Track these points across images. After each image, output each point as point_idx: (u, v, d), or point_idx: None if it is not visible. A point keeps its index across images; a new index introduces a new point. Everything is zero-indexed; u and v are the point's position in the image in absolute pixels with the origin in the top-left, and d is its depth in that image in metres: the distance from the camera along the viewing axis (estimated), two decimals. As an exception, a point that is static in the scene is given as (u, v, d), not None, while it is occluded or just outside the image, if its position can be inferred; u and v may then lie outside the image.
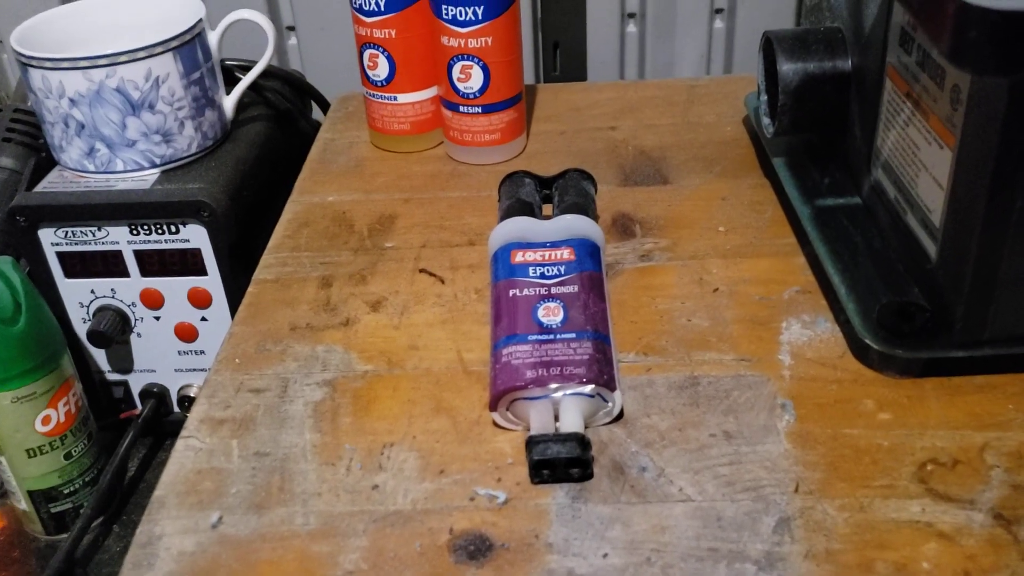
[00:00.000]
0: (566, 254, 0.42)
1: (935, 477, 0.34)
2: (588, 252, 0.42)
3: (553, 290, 0.40)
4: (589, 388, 0.36)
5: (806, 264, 0.46)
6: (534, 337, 0.38)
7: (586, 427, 0.36)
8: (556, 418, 0.36)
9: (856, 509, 0.33)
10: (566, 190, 0.48)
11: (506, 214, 0.46)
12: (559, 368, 0.36)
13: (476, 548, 0.33)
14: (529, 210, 0.46)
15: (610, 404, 0.37)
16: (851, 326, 0.39)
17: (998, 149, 0.33)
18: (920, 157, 0.39)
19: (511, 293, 0.41)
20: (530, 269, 0.42)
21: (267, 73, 0.63)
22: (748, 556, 0.32)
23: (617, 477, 0.35)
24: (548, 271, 0.41)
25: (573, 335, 0.38)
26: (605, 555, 0.32)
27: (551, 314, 0.39)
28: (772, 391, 0.38)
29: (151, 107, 0.55)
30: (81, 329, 0.59)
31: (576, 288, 0.40)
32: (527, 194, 0.48)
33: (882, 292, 0.40)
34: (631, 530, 0.33)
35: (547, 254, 0.42)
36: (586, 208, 0.46)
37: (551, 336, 0.38)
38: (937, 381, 0.38)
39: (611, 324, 0.40)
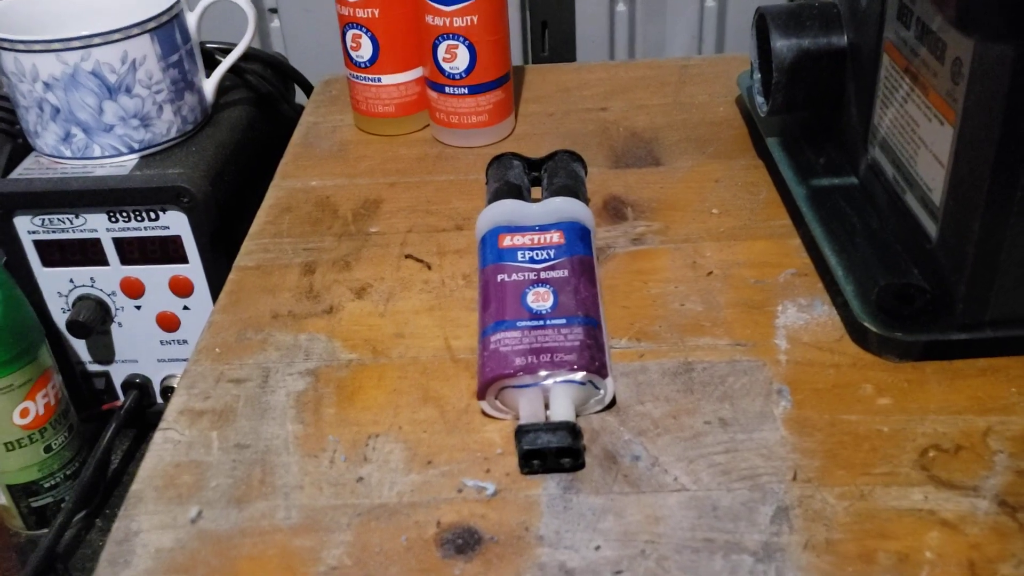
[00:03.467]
0: (555, 238, 0.41)
1: (937, 463, 0.33)
2: (578, 235, 0.41)
3: (543, 275, 0.39)
4: (580, 376, 0.35)
5: (801, 246, 0.45)
6: (523, 323, 0.37)
7: (577, 415, 0.35)
8: (546, 406, 0.35)
9: (856, 497, 0.32)
10: (555, 172, 0.47)
11: (494, 197, 0.45)
12: (549, 355, 0.35)
13: (464, 542, 0.32)
14: (518, 193, 0.45)
15: (602, 392, 0.36)
16: (849, 309, 0.38)
17: (1002, 123, 0.32)
18: (919, 134, 0.38)
19: (499, 278, 0.39)
20: (519, 253, 0.40)
21: (248, 56, 0.61)
22: (745, 547, 0.31)
23: (610, 467, 0.34)
24: (537, 255, 0.40)
25: (563, 321, 0.37)
26: (597, 547, 0.31)
27: (540, 299, 0.38)
28: (768, 376, 0.37)
29: (128, 91, 0.53)
30: (60, 319, 0.58)
31: (566, 272, 0.39)
32: (515, 176, 0.47)
33: (880, 274, 0.39)
34: (624, 521, 0.32)
35: (536, 238, 0.41)
36: (576, 190, 0.45)
37: (541, 322, 0.37)
38: (938, 365, 0.37)
39: (602, 309, 0.39)
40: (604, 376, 0.35)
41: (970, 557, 0.30)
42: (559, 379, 0.35)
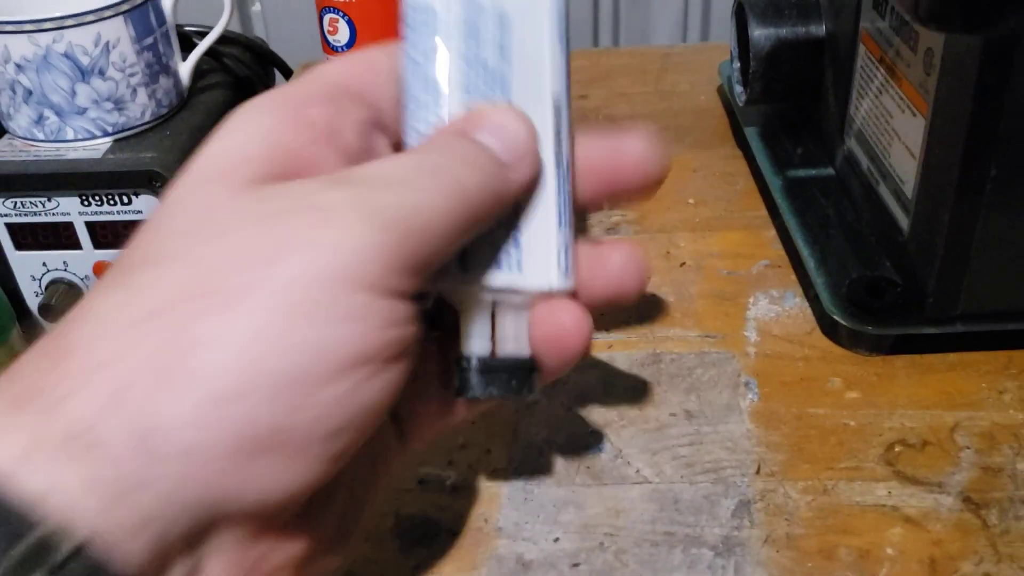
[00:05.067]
0: None
1: (903, 459, 0.33)
2: None
3: None
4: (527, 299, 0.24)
5: (776, 237, 0.44)
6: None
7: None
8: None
9: (819, 492, 0.32)
10: None
11: None
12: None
13: (423, 533, 0.31)
14: None
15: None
16: (820, 301, 0.38)
17: (971, 115, 0.31)
18: (893, 125, 0.38)
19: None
20: None
21: (226, 39, 0.61)
22: (705, 541, 0.30)
23: (572, 458, 0.33)
24: None
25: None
26: (556, 539, 0.31)
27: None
28: (736, 369, 0.37)
29: (102, 73, 0.52)
30: (34, 303, 0.57)
31: None
32: None
33: (853, 266, 0.39)
34: (584, 513, 0.31)
35: None
36: None
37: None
38: (908, 359, 0.37)
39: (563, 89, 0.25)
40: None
41: (931, 554, 0.30)
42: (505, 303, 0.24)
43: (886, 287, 0.37)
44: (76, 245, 0.55)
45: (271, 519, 0.21)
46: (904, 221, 0.37)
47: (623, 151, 0.26)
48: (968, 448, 0.33)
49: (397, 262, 0.20)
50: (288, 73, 0.67)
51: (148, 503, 0.18)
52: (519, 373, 0.24)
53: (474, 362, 0.24)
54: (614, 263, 0.26)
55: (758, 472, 0.33)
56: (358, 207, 0.20)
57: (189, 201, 0.21)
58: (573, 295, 0.25)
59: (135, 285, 0.20)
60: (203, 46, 0.58)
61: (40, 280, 0.56)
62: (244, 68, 0.63)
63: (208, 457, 0.18)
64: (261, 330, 0.19)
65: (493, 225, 0.23)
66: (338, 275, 0.19)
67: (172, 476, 0.18)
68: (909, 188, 0.37)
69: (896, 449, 0.33)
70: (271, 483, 0.19)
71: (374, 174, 0.22)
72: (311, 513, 0.22)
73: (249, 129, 0.23)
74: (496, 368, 0.24)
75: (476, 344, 0.24)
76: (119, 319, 0.19)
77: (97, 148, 0.54)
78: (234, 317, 0.19)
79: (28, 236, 0.55)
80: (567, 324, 0.24)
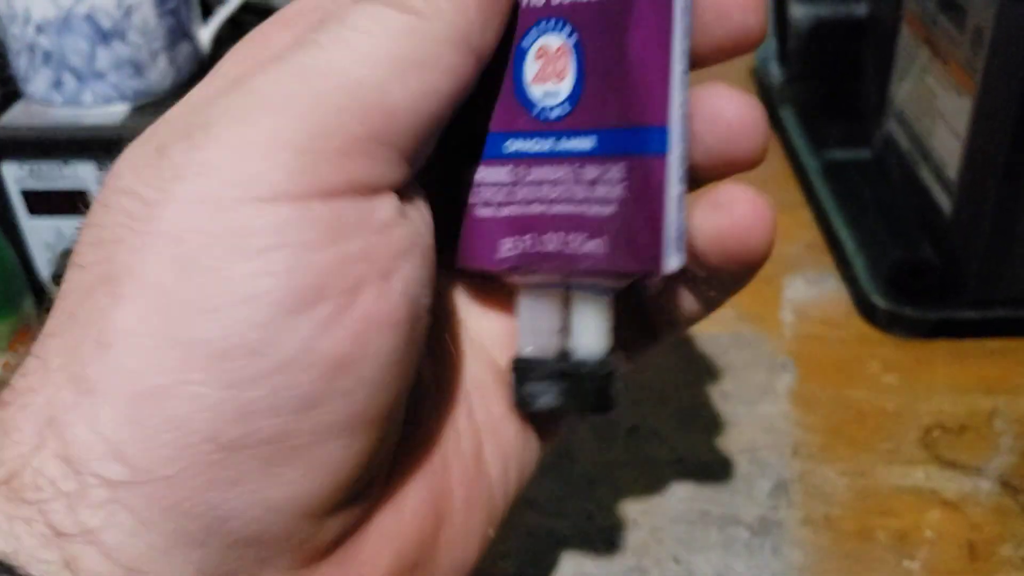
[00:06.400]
0: None
1: (941, 443, 0.32)
2: None
3: None
4: (613, 283, 0.19)
5: (812, 219, 0.44)
6: (516, 145, 0.18)
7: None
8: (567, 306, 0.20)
9: (857, 474, 0.31)
10: None
11: None
12: (560, 236, 0.18)
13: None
14: None
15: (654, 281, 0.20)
16: (858, 284, 0.37)
17: (1021, 94, 0.30)
18: (936, 106, 0.37)
19: None
20: None
21: (248, 7, 0.60)
22: (741, 520, 0.30)
23: (606, 435, 0.33)
24: None
25: (592, 142, 0.18)
26: (590, 516, 0.30)
27: (552, 76, 0.18)
28: (772, 350, 0.36)
29: (122, 37, 0.52)
30: (47, 273, 0.56)
31: None
32: None
33: (892, 248, 0.38)
34: (618, 491, 0.31)
35: None
36: None
37: (548, 142, 0.18)
38: (947, 343, 0.36)
39: (681, 80, 0.18)
40: (658, 270, 0.18)
41: (970, 537, 0.29)
42: (581, 284, 0.19)
43: (926, 270, 0.36)
44: (92, 212, 0.54)
45: (313, 540, 0.16)
46: (946, 203, 0.36)
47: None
48: (1006, 433, 0.32)
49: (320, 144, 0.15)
50: (308, 45, 0.66)
51: (119, 543, 0.14)
52: (595, 381, 0.19)
53: (535, 365, 0.19)
54: (729, 113, 0.18)
55: (795, 454, 0.32)
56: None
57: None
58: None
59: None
60: (225, 12, 0.57)
61: (54, 248, 0.56)
62: (265, 38, 0.62)
63: (156, 476, 0.14)
64: (161, 304, 0.15)
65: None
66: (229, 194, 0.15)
67: (126, 502, 0.14)
68: (952, 170, 0.36)
69: (934, 433, 0.33)
70: (252, 496, 0.15)
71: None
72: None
73: None
74: (566, 374, 0.19)
75: (540, 340, 0.19)
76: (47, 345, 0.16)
77: (115, 114, 0.53)
78: (127, 305, 0.15)
79: (43, 202, 0.54)
80: (745, 213, 0.18)
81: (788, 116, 0.48)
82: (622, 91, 0.17)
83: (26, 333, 0.52)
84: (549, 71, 0.17)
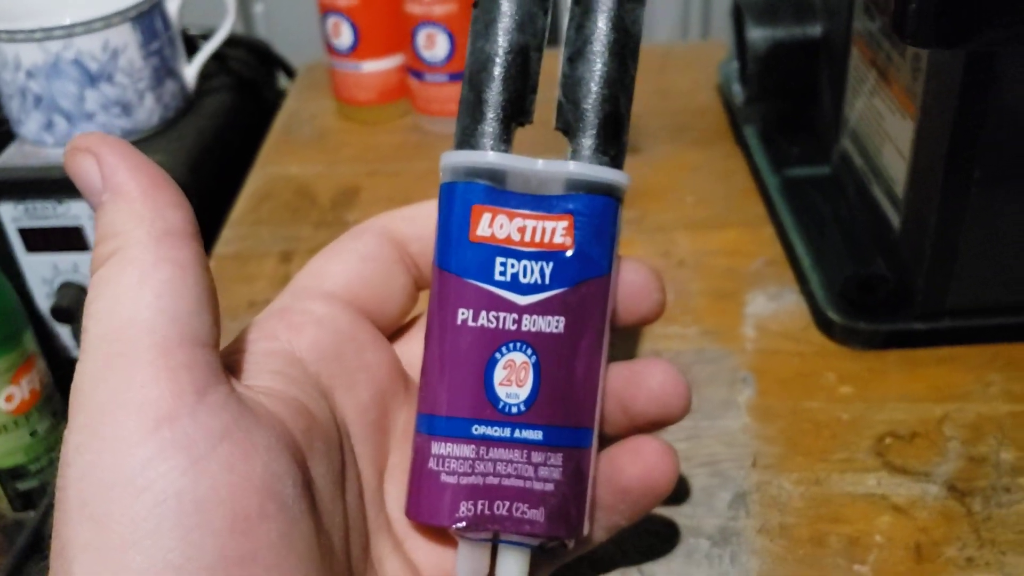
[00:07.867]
0: (560, 232, 0.23)
1: (893, 450, 0.34)
2: (597, 228, 0.23)
3: (524, 323, 0.23)
4: (541, 541, 0.24)
5: (774, 235, 0.45)
6: (481, 430, 0.23)
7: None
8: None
9: (812, 483, 0.33)
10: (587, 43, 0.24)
11: (479, 86, 0.25)
12: (507, 504, 0.23)
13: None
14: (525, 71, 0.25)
15: (571, 544, 0.24)
16: (815, 298, 0.39)
17: (955, 119, 0.32)
18: (884, 127, 0.39)
19: (459, 316, 0.23)
20: (499, 263, 0.23)
21: (231, 42, 0.62)
22: (702, 531, 0.32)
23: (574, 453, 0.35)
24: (526, 272, 0.23)
25: (539, 436, 0.23)
26: (560, 532, 0.32)
27: (514, 382, 0.23)
28: (734, 365, 0.38)
29: (110, 79, 0.54)
30: (45, 305, 0.58)
31: (560, 326, 0.23)
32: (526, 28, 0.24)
33: (847, 264, 0.40)
34: (586, 507, 0.33)
35: (534, 227, 0.23)
36: (617, 101, 0.26)
37: (506, 431, 0.23)
38: (899, 353, 0.38)
39: (601, 397, 0.25)
40: (578, 537, 0.24)
41: (917, 540, 0.31)
42: (512, 539, 0.24)
43: (878, 284, 0.38)
44: (86, 248, 0.56)
45: None
46: (895, 220, 0.38)
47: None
48: (955, 439, 0.34)
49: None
50: (291, 74, 0.68)
51: None
52: None
53: None
54: (655, 382, 0.25)
55: (754, 465, 0.34)
56: None
57: None
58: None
59: None
60: (208, 49, 0.59)
61: (51, 283, 0.58)
62: (248, 70, 0.64)
63: None
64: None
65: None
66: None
67: None
68: (899, 188, 0.38)
69: (886, 441, 0.34)
70: None
71: None
72: None
73: None
74: None
75: None
76: None
77: (106, 152, 0.55)
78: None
79: (39, 239, 0.56)
80: (652, 460, 0.25)
81: (751, 134, 0.50)
82: (566, 400, 0.23)
83: (29, 365, 0.54)
84: (513, 378, 0.23)
